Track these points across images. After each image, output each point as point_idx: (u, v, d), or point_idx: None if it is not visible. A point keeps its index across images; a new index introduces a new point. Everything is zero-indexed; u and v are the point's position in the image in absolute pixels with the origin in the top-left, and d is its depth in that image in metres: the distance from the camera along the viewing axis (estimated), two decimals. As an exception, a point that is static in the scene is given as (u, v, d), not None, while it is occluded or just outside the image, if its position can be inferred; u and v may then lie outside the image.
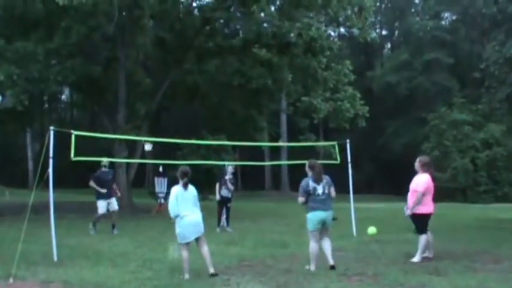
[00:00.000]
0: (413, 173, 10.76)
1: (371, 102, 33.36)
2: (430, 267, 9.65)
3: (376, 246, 12.37)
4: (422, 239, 10.43)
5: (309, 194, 9.47)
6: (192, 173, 9.19)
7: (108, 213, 15.70)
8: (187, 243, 9.03)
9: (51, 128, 10.51)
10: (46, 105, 52.51)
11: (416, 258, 10.39)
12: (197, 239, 9.10)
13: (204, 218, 9.22)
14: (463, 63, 49.57)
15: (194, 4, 27.80)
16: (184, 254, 8.99)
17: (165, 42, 26.00)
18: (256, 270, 9.59)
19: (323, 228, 9.59)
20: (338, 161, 15.48)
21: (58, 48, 21.36)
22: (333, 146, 17.45)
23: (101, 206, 15.60)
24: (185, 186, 9.04)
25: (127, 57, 24.16)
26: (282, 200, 37.80)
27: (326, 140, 36.86)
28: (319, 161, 10.10)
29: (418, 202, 10.37)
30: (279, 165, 47.94)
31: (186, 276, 8.88)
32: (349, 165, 15.01)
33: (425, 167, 10.61)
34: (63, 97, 59.69)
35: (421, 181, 10.46)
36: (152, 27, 24.52)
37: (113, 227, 15.64)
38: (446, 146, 41.75)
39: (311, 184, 9.49)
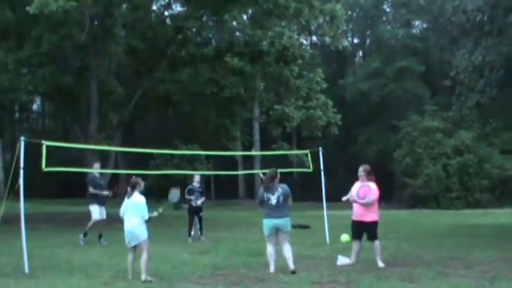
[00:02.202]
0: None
1: (343, 110, 33.47)
2: (403, 274, 9.74)
3: (349, 253, 12.42)
4: (378, 244, 11.04)
5: (264, 202, 10.18)
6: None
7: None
8: (130, 248, 9.56)
9: (22, 138, 10.42)
10: (17, 115, 51.87)
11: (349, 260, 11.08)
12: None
13: (148, 228, 9.58)
14: (434, 71, 49.98)
15: (166, 13, 27.65)
16: (128, 257, 9.62)
17: (137, 51, 25.81)
18: (230, 279, 9.58)
19: (280, 235, 10.17)
20: (311, 169, 15.57)
21: (29, 57, 21.10)
22: (306, 154, 17.53)
23: (95, 211, 15.27)
24: (128, 195, 9.60)
25: (99, 66, 23.92)
26: (256, 209, 37.53)
27: (299, 148, 36.86)
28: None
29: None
30: (253, 174, 47.90)
31: (129, 277, 9.41)
32: (322, 173, 15.10)
33: (371, 176, 11.08)
34: (35, 106, 58.92)
35: (375, 190, 10.94)
36: (124, 36, 24.35)
37: (100, 236, 15.31)
38: (418, 153, 41.95)
39: (265, 194, 10.18)
